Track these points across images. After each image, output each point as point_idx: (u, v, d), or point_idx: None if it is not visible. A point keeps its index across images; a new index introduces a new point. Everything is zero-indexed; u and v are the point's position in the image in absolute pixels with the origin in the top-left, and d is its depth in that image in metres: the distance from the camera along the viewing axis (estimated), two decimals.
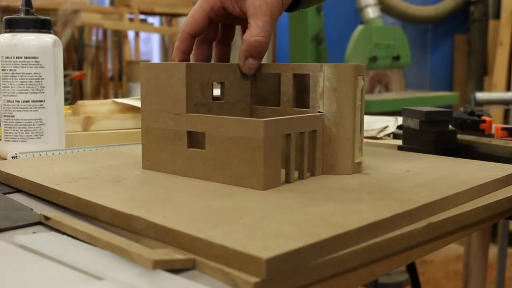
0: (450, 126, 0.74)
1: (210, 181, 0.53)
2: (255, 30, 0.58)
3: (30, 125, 0.68)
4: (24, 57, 0.67)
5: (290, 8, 0.65)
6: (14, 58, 0.67)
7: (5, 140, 0.69)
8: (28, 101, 0.68)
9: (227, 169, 0.52)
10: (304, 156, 0.55)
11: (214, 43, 0.66)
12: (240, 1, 0.59)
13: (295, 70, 0.59)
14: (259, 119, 0.49)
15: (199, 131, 0.54)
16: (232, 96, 0.61)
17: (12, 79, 0.67)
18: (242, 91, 0.62)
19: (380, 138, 0.85)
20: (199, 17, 0.61)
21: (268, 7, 0.58)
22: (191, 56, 0.63)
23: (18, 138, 0.68)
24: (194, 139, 0.56)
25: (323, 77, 0.56)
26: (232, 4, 0.60)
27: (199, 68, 0.56)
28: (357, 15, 3.07)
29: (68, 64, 3.79)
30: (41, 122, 0.69)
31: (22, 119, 0.68)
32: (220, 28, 0.66)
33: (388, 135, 0.88)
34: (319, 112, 0.57)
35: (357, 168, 0.57)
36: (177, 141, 0.56)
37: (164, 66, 0.56)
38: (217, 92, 0.60)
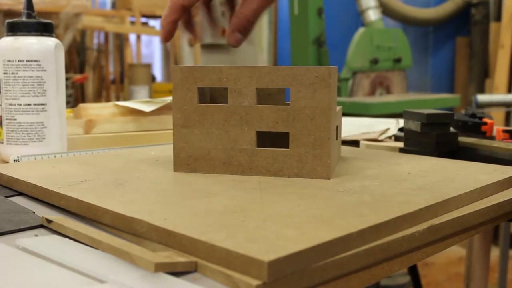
0: (451, 129, 0.74)
1: None
2: (248, 11, 0.59)
3: (32, 128, 0.68)
4: (26, 61, 0.67)
5: None
6: (16, 61, 0.67)
7: (7, 143, 0.69)
8: (30, 104, 0.68)
9: None
10: None
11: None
12: None
13: None
14: None
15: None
16: None
17: (14, 82, 0.68)
18: None
19: (381, 141, 0.85)
20: None
21: None
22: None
23: (20, 141, 0.68)
24: None
25: None
26: None
27: None
28: (358, 18, 3.07)
29: (70, 67, 3.80)
30: (43, 125, 0.69)
31: (24, 122, 0.68)
32: None
33: (390, 137, 0.88)
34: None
35: None
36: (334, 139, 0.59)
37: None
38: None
